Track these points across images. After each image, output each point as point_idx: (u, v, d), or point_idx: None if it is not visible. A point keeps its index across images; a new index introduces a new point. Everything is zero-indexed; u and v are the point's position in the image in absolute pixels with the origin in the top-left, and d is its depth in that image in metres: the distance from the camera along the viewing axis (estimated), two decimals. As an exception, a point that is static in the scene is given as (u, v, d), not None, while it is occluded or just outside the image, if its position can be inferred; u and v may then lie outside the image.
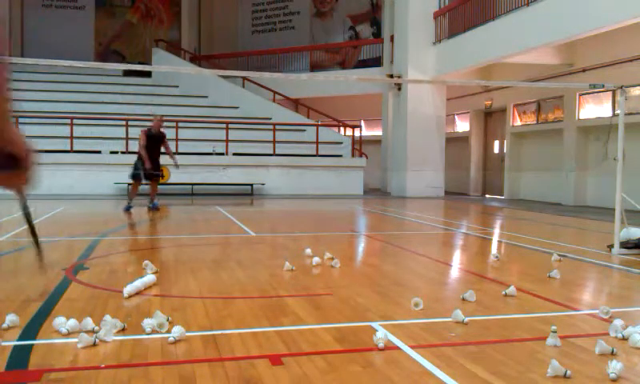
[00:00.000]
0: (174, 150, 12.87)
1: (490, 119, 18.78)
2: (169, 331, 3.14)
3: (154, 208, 10.93)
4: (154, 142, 10.73)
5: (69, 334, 3.12)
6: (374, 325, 3.39)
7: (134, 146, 11.41)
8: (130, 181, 11.06)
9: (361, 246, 7.49)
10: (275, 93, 20.66)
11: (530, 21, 12.71)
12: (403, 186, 17.31)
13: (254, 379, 2.57)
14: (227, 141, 16.74)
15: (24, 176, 1.06)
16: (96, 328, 3.15)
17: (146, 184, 10.95)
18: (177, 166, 11.09)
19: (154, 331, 3.18)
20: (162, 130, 10.89)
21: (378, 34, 22.20)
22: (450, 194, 18.26)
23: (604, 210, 11.80)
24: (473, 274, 5.28)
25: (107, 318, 3.24)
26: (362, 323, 3.47)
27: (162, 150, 10.90)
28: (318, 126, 18.57)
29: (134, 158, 11.03)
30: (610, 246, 6.40)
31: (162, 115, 11.77)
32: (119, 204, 12.28)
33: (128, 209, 10.63)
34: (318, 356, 2.88)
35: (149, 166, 10.56)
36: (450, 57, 16.39)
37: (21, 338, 3.10)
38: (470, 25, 15.40)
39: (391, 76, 18.24)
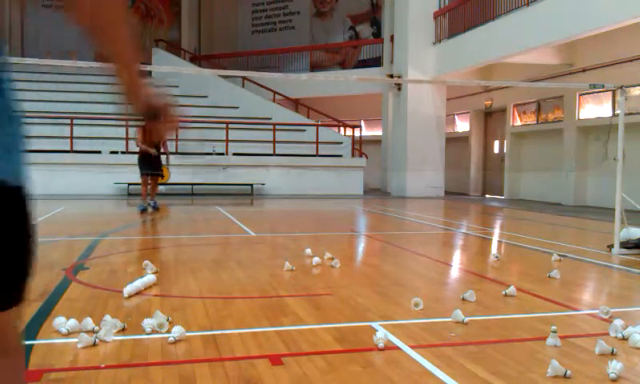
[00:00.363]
0: (173, 149, 12.84)
1: (490, 119, 18.78)
2: (169, 331, 3.14)
3: (153, 208, 10.92)
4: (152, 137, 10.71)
5: (69, 334, 3.12)
6: (374, 325, 3.39)
7: (135, 146, 11.40)
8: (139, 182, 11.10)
9: (361, 246, 7.49)
10: (275, 93, 20.65)
11: (530, 21, 12.71)
12: (403, 185, 17.30)
13: (254, 379, 2.57)
14: (227, 141, 16.73)
15: (167, 123, 1.37)
16: (96, 328, 3.15)
17: (148, 184, 10.94)
18: (168, 159, 11.20)
19: (154, 331, 3.18)
20: None
21: (378, 34, 22.19)
22: (450, 194, 18.25)
23: (604, 209, 11.79)
24: (473, 274, 5.28)
25: (107, 318, 3.24)
26: (362, 323, 3.47)
27: (162, 150, 10.89)
28: (318, 125, 18.56)
29: (134, 158, 11.02)
30: (610, 246, 6.40)
31: None
32: (119, 204, 12.29)
33: (144, 210, 10.64)
34: (318, 356, 2.87)
35: (154, 152, 10.56)
36: (450, 57, 16.38)
37: (21, 338, 3.10)
38: (469, 25, 15.40)
39: (391, 76, 18.24)
